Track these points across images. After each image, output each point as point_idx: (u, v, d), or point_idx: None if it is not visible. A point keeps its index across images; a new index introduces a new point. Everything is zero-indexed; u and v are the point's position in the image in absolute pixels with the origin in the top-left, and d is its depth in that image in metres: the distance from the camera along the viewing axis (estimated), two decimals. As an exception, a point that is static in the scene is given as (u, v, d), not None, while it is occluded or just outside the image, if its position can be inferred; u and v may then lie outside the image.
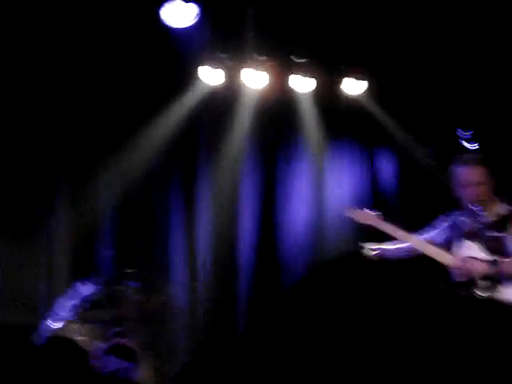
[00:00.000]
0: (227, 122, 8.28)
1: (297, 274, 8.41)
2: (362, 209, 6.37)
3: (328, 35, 7.90)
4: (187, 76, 7.93)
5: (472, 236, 5.83)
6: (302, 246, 8.52)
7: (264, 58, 7.88)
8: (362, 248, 6.16)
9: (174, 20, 7.23)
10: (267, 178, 8.57)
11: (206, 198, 8.27)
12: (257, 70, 7.89)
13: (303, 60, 7.99)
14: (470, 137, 6.36)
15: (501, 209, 5.77)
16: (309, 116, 8.54)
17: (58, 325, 6.59)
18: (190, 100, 8.04)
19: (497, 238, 5.69)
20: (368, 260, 6.13)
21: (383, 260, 6.13)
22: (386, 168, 8.84)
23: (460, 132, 6.36)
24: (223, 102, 8.22)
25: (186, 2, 7.20)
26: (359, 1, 7.50)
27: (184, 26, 7.30)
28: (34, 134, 7.62)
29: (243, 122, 8.31)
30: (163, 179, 8.14)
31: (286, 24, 7.68)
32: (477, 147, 6.31)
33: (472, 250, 5.80)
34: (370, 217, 6.27)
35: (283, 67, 8.08)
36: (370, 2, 7.50)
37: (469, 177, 5.79)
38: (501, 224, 5.72)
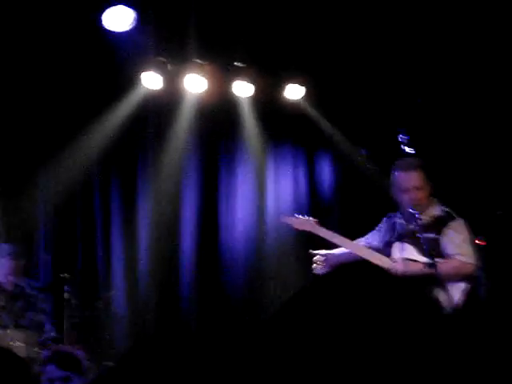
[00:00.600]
0: (168, 127, 8.27)
1: (238, 277, 8.44)
2: (298, 215, 6.44)
3: (268, 41, 7.94)
4: (128, 80, 7.92)
5: (409, 238, 5.92)
6: (243, 249, 8.54)
7: (204, 62, 7.88)
8: (313, 256, 6.22)
9: (115, 25, 7.20)
10: (208, 182, 8.59)
11: (147, 202, 8.25)
12: (197, 74, 7.89)
13: (243, 65, 8.01)
14: (409, 141, 6.41)
15: (436, 211, 5.86)
16: (249, 121, 8.57)
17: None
18: (130, 104, 8.02)
19: (433, 240, 5.79)
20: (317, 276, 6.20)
21: (335, 267, 6.17)
22: (326, 172, 8.91)
23: (400, 136, 6.42)
24: (164, 106, 8.22)
25: (126, 7, 7.17)
26: (297, 7, 7.54)
27: (123, 31, 7.27)
28: None
29: (184, 126, 8.31)
30: (103, 184, 8.10)
31: (226, 29, 7.70)
32: (414, 151, 6.37)
33: (409, 252, 5.89)
34: (306, 223, 6.34)
35: (223, 72, 8.09)
36: (306, 9, 7.55)
37: (407, 182, 5.89)
38: (436, 226, 5.81)
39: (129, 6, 7.11)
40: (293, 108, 8.48)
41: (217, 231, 8.50)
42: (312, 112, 8.57)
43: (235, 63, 8.03)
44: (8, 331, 6.51)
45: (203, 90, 8.00)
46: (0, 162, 7.62)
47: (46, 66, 7.58)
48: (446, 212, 5.86)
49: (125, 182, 8.19)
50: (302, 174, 8.88)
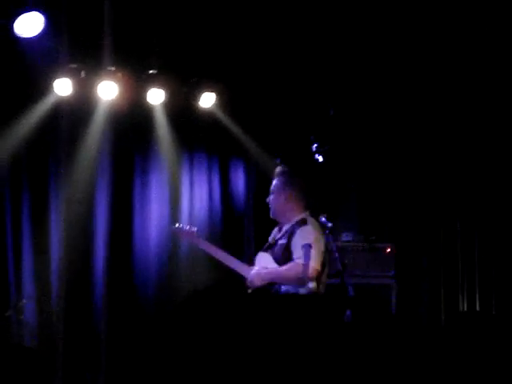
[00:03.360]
0: (80, 134, 8.20)
1: (150, 282, 8.42)
2: (181, 225, 6.55)
3: (180, 48, 7.96)
4: (40, 87, 7.82)
5: (270, 246, 6.07)
6: (155, 257, 8.53)
7: (115, 68, 7.84)
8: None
9: (26, 30, 7.10)
10: (122, 189, 8.53)
11: (58, 209, 8.15)
12: (110, 81, 7.85)
13: (155, 71, 8.00)
14: (320, 149, 6.53)
15: (296, 217, 5.96)
16: (162, 128, 8.56)
17: None
18: (41, 111, 7.92)
19: (284, 246, 5.89)
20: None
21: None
22: (240, 179, 8.97)
23: (314, 145, 6.53)
24: (76, 113, 8.13)
25: (37, 12, 7.08)
26: (209, 14, 7.58)
27: (34, 36, 7.18)
28: None
29: (97, 133, 8.24)
30: (14, 191, 7.97)
31: (140, 36, 7.70)
32: (323, 160, 6.49)
33: (266, 261, 6.02)
34: (189, 234, 6.46)
35: (137, 79, 8.06)
36: (218, 16, 7.60)
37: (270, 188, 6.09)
38: (290, 232, 5.90)
39: (40, 12, 7.02)
40: (206, 115, 8.51)
41: (130, 238, 8.46)
42: (225, 119, 8.62)
43: (149, 71, 8.02)
44: None
45: (116, 96, 7.96)
46: None
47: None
48: (302, 219, 5.96)
49: (36, 189, 8.07)
50: (216, 181, 8.91)
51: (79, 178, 8.21)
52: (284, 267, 5.83)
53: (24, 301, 7.63)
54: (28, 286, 7.92)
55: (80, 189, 8.22)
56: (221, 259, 6.33)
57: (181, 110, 8.44)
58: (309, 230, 5.86)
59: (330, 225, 5.92)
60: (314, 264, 5.70)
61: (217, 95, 8.33)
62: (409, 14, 7.59)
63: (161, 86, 8.08)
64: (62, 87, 7.79)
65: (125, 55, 7.88)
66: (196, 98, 8.35)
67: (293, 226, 5.95)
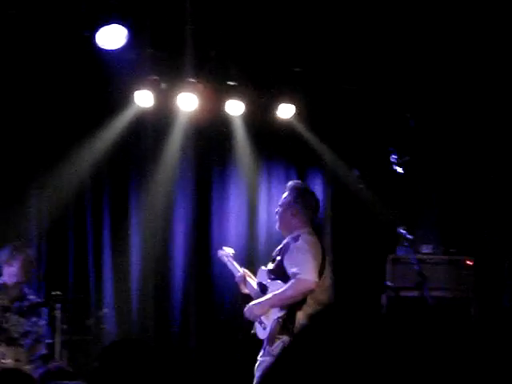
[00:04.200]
0: (160, 144, 8.30)
1: (229, 294, 8.43)
2: (224, 248, 6.55)
3: (260, 60, 8.00)
4: (121, 98, 7.94)
5: (272, 260, 6.02)
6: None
7: (196, 80, 7.91)
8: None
9: (108, 43, 7.22)
10: (201, 199, 8.61)
11: (139, 218, 8.27)
12: (190, 93, 7.91)
13: (235, 83, 8.04)
14: (400, 161, 6.47)
15: (294, 233, 5.89)
16: (241, 139, 8.60)
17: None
18: (123, 122, 8.04)
19: (278, 263, 5.83)
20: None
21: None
22: (318, 190, 8.94)
23: (392, 156, 6.46)
24: (157, 124, 8.23)
25: (119, 25, 7.19)
26: (289, 27, 7.60)
27: (116, 49, 7.30)
28: None
29: (176, 144, 8.33)
30: (96, 201, 8.10)
31: (219, 46, 7.76)
32: (403, 172, 6.42)
33: (262, 277, 6.05)
34: (225, 255, 6.46)
35: (215, 90, 8.12)
36: (296, 29, 7.61)
37: None
38: (285, 248, 5.85)
39: (122, 24, 7.13)
40: (284, 126, 8.52)
41: (208, 249, 8.50)
42: (303, 131, 8.61)
43: (228, 82, 8.07)
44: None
45: (195, 108, 8.02)
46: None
47: (39, 83, 7.61)
48: (297, 235, 5.85)
49: (117, 200, 8.20)
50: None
51: (159, 188, 8.30)
52: (280, 290, 5.73)
53: (105, 310, 7.72)
54: (108, 295, 8.03)
55: (160, 198, 8.31)
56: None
57: (259, 121, 8.47)
58: (300, 246, 5.74)
59: (409, 237, 5.85)
60: (311, 277, 5.61)
61: (295, 106, 8.34)
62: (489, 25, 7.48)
63: (240, 97, 8.12)
64: (143, 99, 7.88)
65: (205, 67, 7.94)
66: (274, 109, 8.36)
67: (287, 242, 5.89)
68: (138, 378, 2.90)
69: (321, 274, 5.70)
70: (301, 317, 5.58)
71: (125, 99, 7.93)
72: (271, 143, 8.76)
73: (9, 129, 7.64)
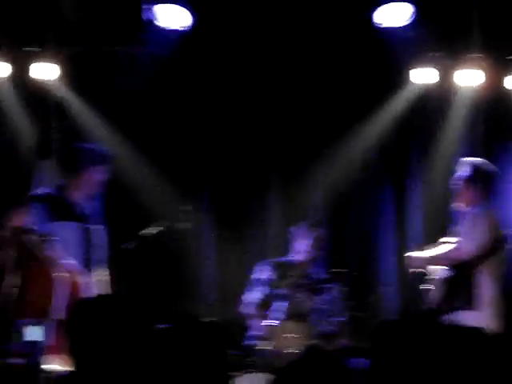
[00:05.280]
0: (440, 122, 8.18)
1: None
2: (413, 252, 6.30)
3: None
4: (399, 76, 7.95)
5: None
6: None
7: (478, 55, 7.69)
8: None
9: (388, 21, 7.22)
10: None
11: (418, 199, 8.22)
12: (471, 68, 7.72)
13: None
14: None
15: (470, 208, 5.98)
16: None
17: (274, 323, 6.69)
18: (402, 100, 8.06)
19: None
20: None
21: None
22: None
23: None
24: (436, 101, 8.13)
25: (401, 2, 7.18)
26: None
27: (398, 26, 7.30)
28: (249, 132, 8.09)
29: (456, 121, 8.17)
30: (376, 182, 8.19)
31: (506, 22, 7.51)
32: None
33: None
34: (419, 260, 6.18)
35: (498, 66, 7.86)
36: None
37: None
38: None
39: (408, 1, 7.11)
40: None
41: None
42: None
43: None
44: (286, 322, 6.69)
45: (479, 84, 7.81)
46: (279, 154, 8.10)
47: (318, 65, 7.85)
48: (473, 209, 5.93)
49: (397, 180, 8.21)
50: None
51: (439, 167, 8.19)
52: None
53: (383, 287, 7.77)
54: (390, 272, 8.06)
55: (439, 178, 8.19)
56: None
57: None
58: (474, 219, 5.86)
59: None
60: (470, 247, 5.74)
61: None
62: None
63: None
64: (422, 76, 7.80)
65: (486, 41, 7.70)
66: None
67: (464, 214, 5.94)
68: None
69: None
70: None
71: (403, 78, 7.93)
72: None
73: (298, 110, 7.97)
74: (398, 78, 7.99)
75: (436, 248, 6.07)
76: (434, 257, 5.99)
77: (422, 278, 6.08)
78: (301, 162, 8.11)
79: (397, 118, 8.08)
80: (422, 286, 6.04)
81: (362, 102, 8.02)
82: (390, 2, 7.22)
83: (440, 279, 5.93)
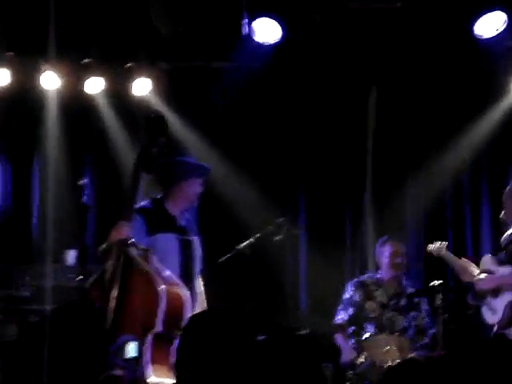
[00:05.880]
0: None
1: None
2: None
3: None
4: (497, 87, 7.88)
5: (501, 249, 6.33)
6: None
7: None
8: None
9: (487, 31, 7.19)
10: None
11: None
12: None
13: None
14: None
15: None
16: None
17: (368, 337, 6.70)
18: (500, 110, 7.98)
19: None
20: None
21: None
22: None
23: None
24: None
25: (497, 11, 7.13)
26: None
27: (493, 36, 7.26)
28: (345, 144, 8.17)
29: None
30: (473, 193, 8.14)
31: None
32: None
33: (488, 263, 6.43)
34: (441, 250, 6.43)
35: None
36: None
37: None
38: None
39: (502, 10, 7.07)
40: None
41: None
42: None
43: None
44: (382, 335, 6.66)
45: None
46: (378, 164, 8.15)
47: (420, 75, 7.89)
48: None
49: (495, 191, 8.09)
50: None
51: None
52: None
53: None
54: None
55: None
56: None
57: None
58: None
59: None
60: None
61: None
62: None
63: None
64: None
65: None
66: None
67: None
68: None
69: None
70: None
71: (503, 88, 7.87)
72: None
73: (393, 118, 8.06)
74: (497, 90, 7.93)
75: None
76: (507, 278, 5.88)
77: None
78: (400, 173, 8.11)
79: (495, 131, 7.99)
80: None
81: (463, 112, 8.01)
82: (485, 13, 7.16)
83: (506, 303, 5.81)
